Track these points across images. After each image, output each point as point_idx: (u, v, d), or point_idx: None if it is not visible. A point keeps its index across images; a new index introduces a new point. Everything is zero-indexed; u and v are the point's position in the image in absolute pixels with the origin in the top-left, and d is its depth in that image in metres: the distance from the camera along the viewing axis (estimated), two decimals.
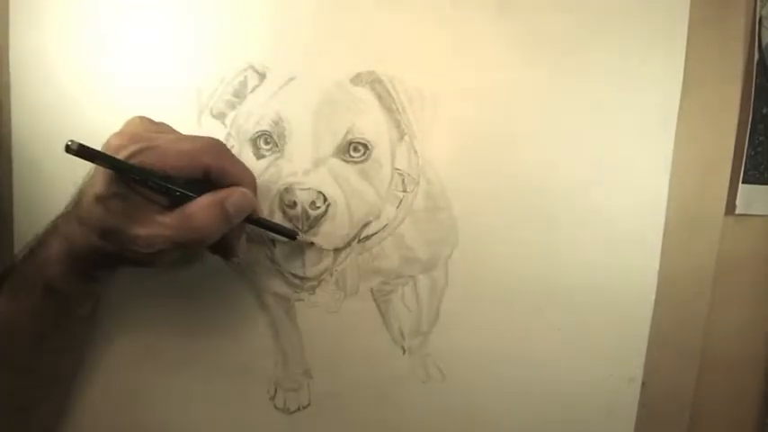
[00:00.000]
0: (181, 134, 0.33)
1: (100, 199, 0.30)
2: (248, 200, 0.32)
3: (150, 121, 0.33)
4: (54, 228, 0.33)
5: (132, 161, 0.29)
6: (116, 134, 0.31)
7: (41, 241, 0.33)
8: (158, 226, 0.30)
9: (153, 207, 0.30)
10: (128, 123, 0.32)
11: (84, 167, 0.40)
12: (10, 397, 0.35)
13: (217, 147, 0.32)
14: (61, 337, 0.36)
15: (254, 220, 0.35)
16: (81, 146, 0.28)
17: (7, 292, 0.33)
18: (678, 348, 0.40)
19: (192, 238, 0.30)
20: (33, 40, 0.39)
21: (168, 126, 0.34)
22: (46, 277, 0.32)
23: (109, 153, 0.29)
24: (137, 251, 0.30)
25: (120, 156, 0.29)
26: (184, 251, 0.32)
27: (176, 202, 0.31)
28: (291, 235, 0.37)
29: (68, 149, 0.27)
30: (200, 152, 0.31)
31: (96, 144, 0.30)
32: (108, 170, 0.29)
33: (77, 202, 0.32)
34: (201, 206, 0.30)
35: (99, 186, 0.30)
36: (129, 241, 0.30)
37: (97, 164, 0.29)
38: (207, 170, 0.31)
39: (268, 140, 0.38)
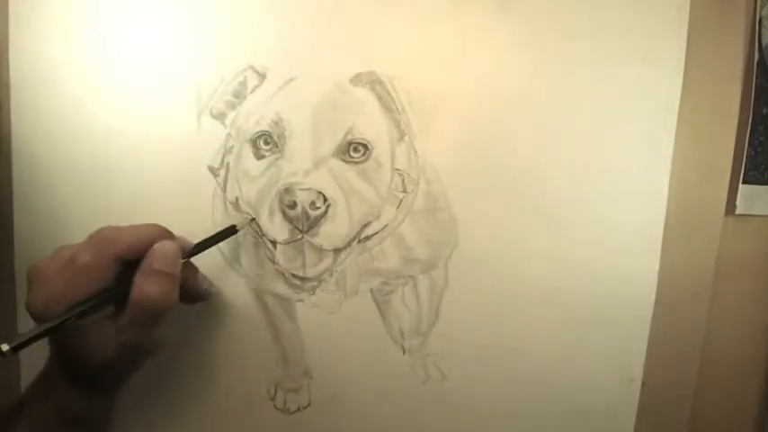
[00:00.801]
0: (72, 249, 0.32)
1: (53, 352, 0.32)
2: (171, 248, 0.33)
3: (48, 258, 0.32)
4: (48, 378, 0.34)
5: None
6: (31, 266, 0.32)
7: (45, 390, 0.34)
8: (123, 332, 0.31)
9: (106, 320, 0.31)
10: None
11: (81, 167, 0.41)
12: None
13: (103, 236, 0.32)
14: None
15: (191, 252, 0.35)
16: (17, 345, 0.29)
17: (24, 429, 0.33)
18: (678, 348, 0.40)
19: (154, 314, 0.32)
20: (33, 40, 0.39)
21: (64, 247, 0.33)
22: (68, 414, 0.33)
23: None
24: (129, 357, 0.32)
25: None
26: (158, 324, 0.33)
27: (119, 299, 0.32)
28: (231, 231, 0.37)
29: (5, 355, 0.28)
30: (101, 255, 0.31)
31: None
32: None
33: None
34: (141, 286, 0.31)
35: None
36: (113, 352, 0.31)
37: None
38: (121, 259, 0.32)
39: (268, 141, 0.38)
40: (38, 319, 0.30)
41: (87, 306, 0.30)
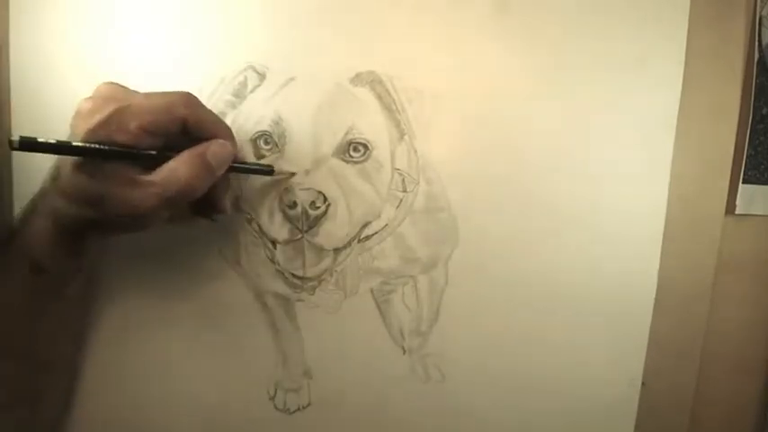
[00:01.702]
0: (151, 92, 0.32)
1: (80, 167, 0.29)
2: (228, 150, 0.33)
3: (119, 85, 0.32)
4: (33, 206, 0.32)
5: (107, 129, 0.29)
6: (87, 98, 0.31)
7: (22, 222, 0.33)
8: (144, 185, 0.30)
9: (134, 168, 0.30)
10: (97, 89, 0.32)
11: None
12: (10, 386, 0.34)
13: (190, 98, 0.32)
14: (53, 320, 0.35)
15: (233, 167, 0.34)
16: (25, 139, 0.27)
17: None
18: (678, 348, 0.40)
19: (178, 192, 0.30)
20: (33, 39, 0.39)
21: (136, 91, 0.33)
22: (32, 257, 0.32)
23: (80, 125, 0.29)
24: (126, 214, 0.30)
25: (95, 120, 0.29)
26: (172, 208, 0.32)
27: (153, 164, 0.31)
28: (268, 171, 0.37)
29: (11, 146, 0.27)
30: (175, 105, 0.31)
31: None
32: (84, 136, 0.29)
33: (56, 176, 0.31)
34: (184, 160, 0.31)
35: (64, 164, 0.30)
36: (117, 205, 0.29)
37: (54, 153, 0.29)
38: (184, 122, 0.31)
39: (268, 140, 0.38)
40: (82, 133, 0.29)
41: (127, 150, 0.29)
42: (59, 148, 0.28)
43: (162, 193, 0.30)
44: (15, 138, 0.27)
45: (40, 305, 0.34)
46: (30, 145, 0.27)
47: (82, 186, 0.29)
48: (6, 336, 0.33)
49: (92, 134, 0.29)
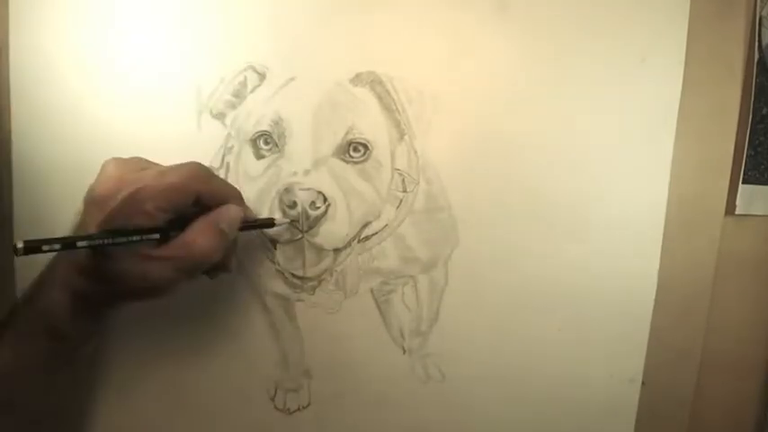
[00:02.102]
0: (161, 167, 0.33)
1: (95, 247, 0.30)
2: (239, 214, 0.33)
3: (124, 160, 0.33)
4: (51, 273, 0.32)
5: (122, 215, 0.29)
6: (98, 183, 0.32)
7: (39, 287, 0.33)
8: (159, 261, 0.30)
9: (148, 243, 0.30)
10: (103, 168, 0.33)
11: (81, 167, 0.41)
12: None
13: (201, 171, 0.32)
14: (65, 378, 0.35)
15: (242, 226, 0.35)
16: (29, 244, 0.27)
17: (10, 339, 0.32)
18: (678, 348, 0.40)
19: (194, 264, 0.31)
20: (33, 40, 0.39)
21: (143, 160, 0.34)
22: (50, 324, 0.32)
23: (94, 213, 0.30)
24: (144, 288, 0.30)
25: (109, 207, 0.29)
26: (188, 278, 0.32)
27: (165, 233, 0.31)
28: (269, 224, 0.37)
29: (16, 253, 0.26)
30: (187, 182, 0.31)
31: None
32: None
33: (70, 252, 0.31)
34: (198, 232, 0.31)
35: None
36: (134, 280, 0.30)
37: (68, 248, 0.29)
38: (198, 197, 0.32)
39: (268, 140, 0.38)
40: (103, 216, 0.29)
41: (139, 235, 0.29)
42: (66, 245, 0.28)
43: (179, 267, 0.30)
44: (20, 245, 0.27)
45: (54, 366, 0.33)
46: (34, 249, 0.27)
47: (98, 266, 0.30)
48: (15, 396, 0.33)
49: (107, 223, 0.29)
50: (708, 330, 0.40)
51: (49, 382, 0.34)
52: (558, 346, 0.40)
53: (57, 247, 0.28)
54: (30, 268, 0.41)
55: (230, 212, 0.33)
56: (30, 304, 0.32)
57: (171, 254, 0.30)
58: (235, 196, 0.34)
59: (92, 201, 0.31)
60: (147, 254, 0.30)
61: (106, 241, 0.28)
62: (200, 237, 0.31)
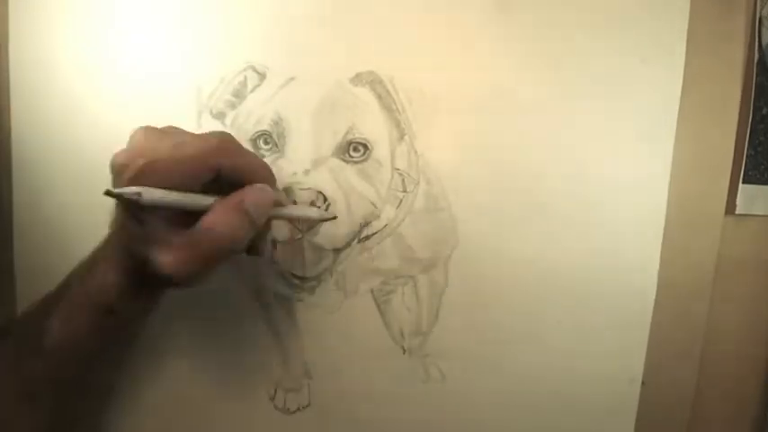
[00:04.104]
0: (185, 137, 0.29)
1: (119, 224, 0.29)
2: (267, 195, 0.30)
3: (153, 129, 0.30)
4: (104, 251, 0.31)
5: (138, 183, 0.27)
6: (120, 152, 0.29)
7: (93, 262, 0.32)
8: (177, 250, 0.27)
9: (173, 227, 0.28)
10: (131, 137, 0.30)
11: (81, 167, 0.41)
12: (61, 413, 0.33)
13: (224, 144, 0.29)
14: (111, 351, 0.35)
15: (278, 214, 0.32)
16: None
17: (59, 313, 0.31)
18: (678, 348, 0.40)
19: (216, 251, 0.28)
20: (33, 40, 0.39)
21: (174, 128, 0.31)
22: (104, 301, 0.30)
23: (114, 181, 0.28)
24: (164, 277, 0.27)
25: (125, 176, 0.27)
26: (215, 265, 0.28)
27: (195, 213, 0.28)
28: (326, 218, 0.36)
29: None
30: (206, 155, 0.28)
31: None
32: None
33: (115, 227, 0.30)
34: (218, 215, 0.28)
35: (117, 211, 0.29)
36: (156, 268, 0.27)
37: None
38: (218, 172, 0.29)
39: (268, 140, 0.38)
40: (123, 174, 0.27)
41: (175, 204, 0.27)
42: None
43: (196, 257, 0.27)
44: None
45: (106, 342, 0.32)
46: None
47: (125, 244, 0.29)
48: (67, 369, 0.32)
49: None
50: (708, 330, 0.40)
51: (94, 357, 0.32)
52: (558, 346, 0.40)
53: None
54: (30, 270, 0.42)
55: (257, 192, 0.29)
56: (84, 279, 0.31)
57: (186, 241, 0.27)
58: (265, 176, 0.31)
59: (111, 170, 0.29)
60: (166, 239, 0.27)
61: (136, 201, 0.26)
62: (220, 220, 0.28)
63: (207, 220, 0.28)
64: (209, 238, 0.28)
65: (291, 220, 0.37)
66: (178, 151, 0.28)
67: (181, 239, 0.27)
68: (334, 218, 0.37)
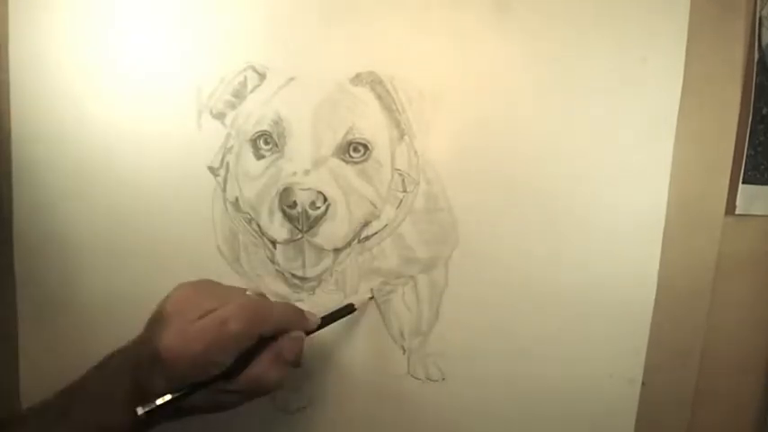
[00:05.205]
0: (222, 309, 0.31)
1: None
2: (300, 342, 0.34)
3: (194, 284, 0.33)
4: (121, 367, 0.32)
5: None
6: (168, 300, 0.32)
7: (93, 383, 0.32)
8: (233, 394, 0.32)
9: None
10: (177, 289, 0.32)
11: (81, 167, 0.41)
12: None
13: (259, 310, 0.32)
14: None
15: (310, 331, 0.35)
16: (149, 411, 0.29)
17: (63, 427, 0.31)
18: (678, 348, 0.40)
19: (263, 393, 0.33)
20: (33, 39, 0.39)
21: (212, 283, 0.34)
22: (99, 421, 0.31)
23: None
24: (216, 411, 0.33)
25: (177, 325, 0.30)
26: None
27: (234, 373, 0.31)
28: (350, 310, 0.38)
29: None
30: (250, 328, 0.31)
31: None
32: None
33: (154, 352, 0.30)
34: (265, 366, 0.32)
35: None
36: (210, 409, 0.32)
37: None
38: (261, 336, 0.32)
39: (268, 140, 0.38)
40: (176, 372, 0.29)
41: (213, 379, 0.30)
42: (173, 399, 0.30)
43: (251, 396, 0.33)
44: (140, 411, 0.29)
45: None
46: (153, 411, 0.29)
47: (177, 406, 0.30)
48: None
49: (183, 377, 0.30)
50: (708, 330, 0.40)
51: None
52: (558, 346, 0.40)
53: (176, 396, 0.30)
54: (29, 269, 0.42)
55: (293, 344, 0.33)
56: (77, 399, 0.32)
57: (244, 388, 0.32)
58: (296, 320, 0.34)
59: (160, 317, 0.31)
60: (221, 388, 0.31)
61: (186, 392, 0.30)
62: (269, 371, 0.32)
63: (255, 372, 0.32)
64: (261, 383, 0.32)
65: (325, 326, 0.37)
66: (225, 329, 0.30)
67: (235, 386, 0.31)
68: (354, 310, 0.38)
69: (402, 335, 0.40)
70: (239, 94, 0.38)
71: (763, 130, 0.39)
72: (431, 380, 0.41)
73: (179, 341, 0.30)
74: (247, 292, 0.33)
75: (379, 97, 0.38)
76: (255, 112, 0.38)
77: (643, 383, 0.40)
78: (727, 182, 0.39)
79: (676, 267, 0.39)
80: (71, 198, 0.41)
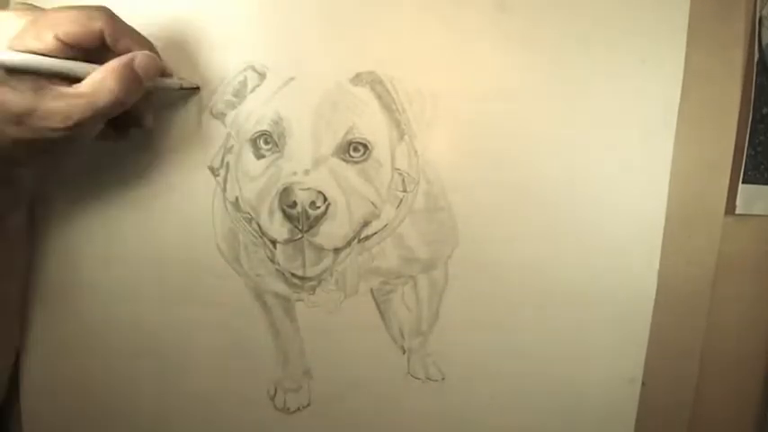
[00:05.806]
0: (67, 5, 0.31)
1: (2, 82, 0.28)
2: (155, 62, 0.32)
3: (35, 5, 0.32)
4: None
5: (22, 38, 0.28)
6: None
7: None
8: (72, 96, 0.29)
9: (61, 82, 0.29)
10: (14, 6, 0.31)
11: (86, 173, 0.40)
12: None
13: (107, 11, 0.31)
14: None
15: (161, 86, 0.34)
16: None
17: None
18: (678, 348, 0.40)
19: (109, 102, 0.30)
20: None
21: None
22: None
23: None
24: (54, 128, 0.29)
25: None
26: (102, 119, 0.31)
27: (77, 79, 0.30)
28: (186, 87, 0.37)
29: None
30: (91, 17, 0.30)
31: None
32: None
33: None
34: (111, 69, 0.30)
35: None
36: (44, 118, 0.28)
37: None
38: (101, 34, 0.30)
39: (268, 140, 0.38)
40: None
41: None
42: None
43: (93, 103, 0.29)
44: None
45: None
46: None
47: (7, 100, 0.28)
48: None
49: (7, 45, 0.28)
50: (708, 330, 0.40)
51: None
52: (558, 345, 0.40)
53: None
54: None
55: (145, 57, 0.31)
56: None
57: (82, 90, 0.29)
58: (149, 47, 0.33)
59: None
60: (57, 90, 0.29)
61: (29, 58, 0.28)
62: (111, 75, 0.30)
63: (99, 75, 0.30)
64: (102, 88, 0.29)
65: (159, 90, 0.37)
66: (64, 11, 0.29)
67: (74, 89, 0.29)
68: (197, 88, 0.38)
69: (402, 335, 0.40)
70: (239, 94, 0.38)
71: (763, 129, 0.39)
72: (431, 380, 0.41)
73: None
74: None
75: (379, 97, 0.38)
76: (255, 112, 0.38)
77: (643, 383, 0.40)
78: (727, 182, 0.39)
79: (676, 267, 0.39)
80: (70, 197, 0.41)
